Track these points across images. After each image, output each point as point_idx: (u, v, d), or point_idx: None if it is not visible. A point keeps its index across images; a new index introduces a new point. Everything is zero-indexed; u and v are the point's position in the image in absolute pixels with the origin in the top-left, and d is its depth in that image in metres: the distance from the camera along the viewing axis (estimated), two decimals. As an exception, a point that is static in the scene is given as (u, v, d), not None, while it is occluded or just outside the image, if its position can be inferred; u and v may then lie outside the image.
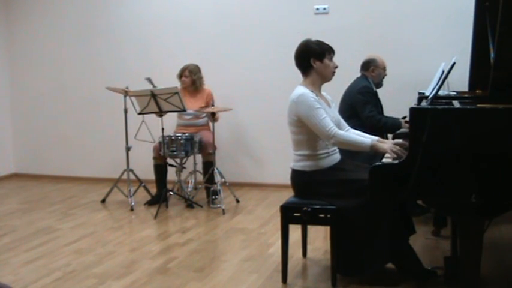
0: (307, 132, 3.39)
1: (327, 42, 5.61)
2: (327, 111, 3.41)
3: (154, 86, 5.24)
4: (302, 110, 3.35)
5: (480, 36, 3.93)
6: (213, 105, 5.28)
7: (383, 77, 4.84)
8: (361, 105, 4.54)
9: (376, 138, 3.55)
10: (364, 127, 4.15)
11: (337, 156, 3.50)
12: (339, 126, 3.52)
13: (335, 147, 3.50)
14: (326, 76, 3.52)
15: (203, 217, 5.09)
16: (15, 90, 7.04)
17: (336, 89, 4.24)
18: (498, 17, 3.01)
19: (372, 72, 4.75)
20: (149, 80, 5.27)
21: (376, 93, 4.78)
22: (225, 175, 5.58)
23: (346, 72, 4.56)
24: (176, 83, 5.60)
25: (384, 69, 4.82)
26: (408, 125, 3.01)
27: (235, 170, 6.16)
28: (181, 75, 5.65)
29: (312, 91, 3.42)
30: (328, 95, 3.67)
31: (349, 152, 3.86)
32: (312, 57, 3.48)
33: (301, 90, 3.41)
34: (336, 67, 3.57)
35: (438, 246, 4.05)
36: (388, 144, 3.31)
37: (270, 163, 6.16)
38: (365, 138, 3.41)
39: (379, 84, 4.83)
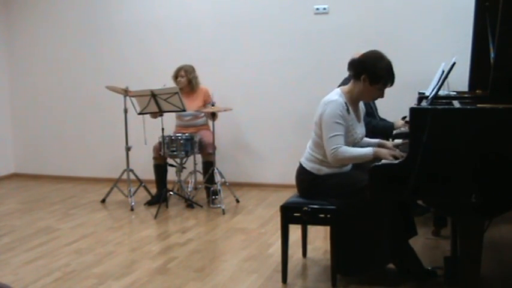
0: None
1: (327, 42, 5.72)
2: (353, 127, 3.35)
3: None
4: (324, 115, 3.30)
5: (480, 36, 3.92)
6: (213, 105, 5.28)
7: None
8: None
9: (376, 141, 3.53)
10: None
11: (348, 167, 3.47)
12: (361, 141, 3.48)
13: None
14: (363, 98, 3.43)
15: (203, 217, 5.09)
16: (15, 90, 7.04)
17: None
18: (498, 17, 3.01)
19: None
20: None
21: None
22: (225, 175, 5.58)
23: (345, 73, 4.57)
24: (176, 83, 5.62)
25: None
26: (408, 125, 3.00)
27: (235, 170, 6.16)
28: (176, 76, 5.63)
29: (346, 102, 3.33)
30: (362, 105, 3.58)
31: None
32: (365, 75, 3.29)
33: (335, 97, 3.33)
34: (380, 97, 3.40)
35: (438, 246, 4.05)
36: (386, 150, 3.28)
37: (270, 163, 6.16)
38: (366, 149, 3.32)
39: None
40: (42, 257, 4.02)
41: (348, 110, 3.34)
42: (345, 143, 3.32)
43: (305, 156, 3.51)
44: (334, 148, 3.26)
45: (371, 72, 3.27)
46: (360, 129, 3.47)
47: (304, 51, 5.93)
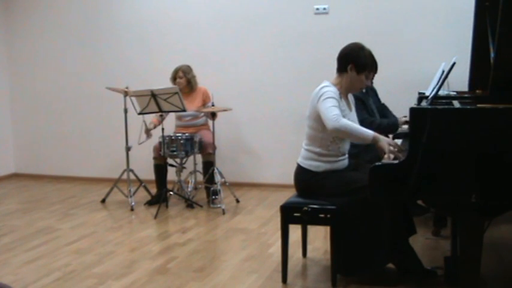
0: (323, 130, 3.34)
1: (327, 42, 5.72)
2: (345, 113, 3.37)
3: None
4: (319, 98, 3.31)
5: (480, 36, 3.92)
6: (213, 105, 5.28)
7: (373, 76, 4.73)
8: None
9: (372, 132, 3.53)
10: None
11: (345, 162, 3.48)
12: None
13: (345, 154, 3.47)
14: (352, 88, 3.48)
15: (203, 217, 5.09)
16: (15, 90, 7.04)
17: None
18: (498, 17, 3.01)
19: None
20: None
21: (365, 93, 4.67)
22: (225, 175, 5.58)
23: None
24: (176, 83, 5.63)
25: None
26: (408, 125, 3.00)
27: (235, 170, 6.16)
28: (174, 78, 5.64)
29: (337, 89, 3.40)
30: (352, 97, 3.63)
31: (353, 153, 3.82)
32: (351, 64, 3.38)
33: (326, 84, 3.40)
34: (368, 85, 3.58)
35: (438, 246, 4.05)
36: (386, 144, 3.24)
37: (270, 163, 6.16)
38: (367, 130, 3.31)
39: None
40: (42, 257, 4.02)
41: (340, 96, 3.38)
42: None
43: (301, 155, 3.51)
44: (335, 114, 3.21)
45: (356, 61, 3.37)
46: (352, 117, 3.50)
47: (304, 51, 5.93)
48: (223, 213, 5.12)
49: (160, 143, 5.34)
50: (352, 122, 3.33)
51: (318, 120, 3.36)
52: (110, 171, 6.32)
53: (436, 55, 5.23)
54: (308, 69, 5.90)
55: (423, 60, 5.49)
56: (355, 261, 3.39)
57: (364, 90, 4.65)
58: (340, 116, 3.24)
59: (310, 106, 3.42)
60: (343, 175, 3.40)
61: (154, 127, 5.50)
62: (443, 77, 3.45)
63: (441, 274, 3.40)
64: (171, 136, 5.30)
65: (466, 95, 4.18)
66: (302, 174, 3.48)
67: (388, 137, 4.46)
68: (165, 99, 5.05)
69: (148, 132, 5.45)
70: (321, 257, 3.92)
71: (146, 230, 4.70)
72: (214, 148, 5.43)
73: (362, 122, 4.37)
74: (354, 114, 3.56)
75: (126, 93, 5.42)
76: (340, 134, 3.30)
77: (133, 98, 5.33)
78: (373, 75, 3.57)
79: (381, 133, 4.47)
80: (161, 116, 5.28)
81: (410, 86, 5.23)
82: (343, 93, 3.47)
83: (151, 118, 5.53)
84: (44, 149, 6.98)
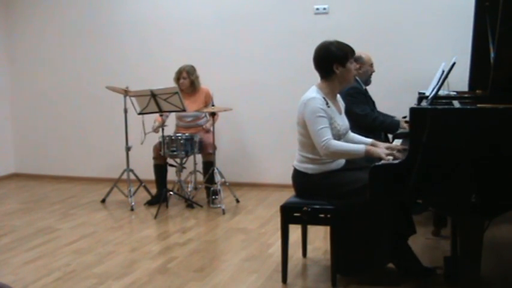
0: None
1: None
2: (335, 119, 3.37)
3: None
4: (307, 112, 3.33)
5: (480, 36, 3.92)
6: (213, 105, 5.28)
7: (371, 74, 4.73)
8: (352, 106, 4.33)
9: (370, 141, 3.54)
10: (359, 128, 4.07)
11: (341, 161, 3.48)
12: (347, 134, 3.51)
13: None
14: (348, 80, 3.48)
15: (203, 217, 5.09)
16: (15, 90, 7.04)
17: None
18: (498, 17, 3.01)
19: (359, 70, 4.60)
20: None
21: (366, 91, 4.70)
22: (225, 175, 5.58)
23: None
24: (177, 82, 5.63)
25: (371, 65, 4.72)
26: (408, 125, 3.00)
27: (235, 170, 6.16)
28: (178, 78, 5.61)
29: (324, 97, 3.37)
30: (341, 100, 3.63)
31: None
32: (335, 63, 3.38)
33: (313, 94, 3.37)
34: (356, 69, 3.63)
35: (438, 246, 4.05)
36: (381, 149, 3.27)
37: (270, 163, 6.16)
38: (359, 145, 3.35)
39: (367, 82, 4.73)
40: (42, 257, 4.02)
41: (327, 104, 3.37)
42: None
43: (296, 159, 3.52)
44: (324, 140, 3.26)
45: (336, 57, 3.39)
46: (342, 121, 3.49)
47: (305, 51, 5.85)
48: (223, 213, 5.12)
49: (160, 143, 5.34)
50: (341, 143, 3.35)
51: (305, 127, 3.38)
52: (110, 171, 6.32)
53: (436, 55, 5.23)
54: (308, 69, 5.78)
55: (423, 60, 5.49)
56: (355, 261, 3.39)
57: (364, 88, 4.69)
58: (330, 139, 3.27)
59: (298, 113, 3.43)
60: (339, 176, 3.38)
61: (161, 124, 5.42)
62: (443, 77, 3.45)
63: (441, 274, 3.39)
64: (171, 136, 5.30)
65: (466, 95, 4.18)
66: (298, 177, 3.49)
67: (387, 136, 4.49)
68: (165, 99, 5.05)
69: (157, 130, 5.41)
70: (321, 257, 3.92)
71: (146, 230, 4.71)
72: (214, 148, 5.43)
73: (365, 117, 4.41)
74: (343, 117, 3.55)
75: (126, 93, 5.42)
76: (333, 157, 3.36)
77: (133, 98, 5.33)
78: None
79: (382, 131, 4.52)
80: (161, 115, 5.28)
81: (410, 86, 5.22)
82: (333, 95, 3.48)
83: (152, 118, 5.52)
84: (44, 149, 6.98)
